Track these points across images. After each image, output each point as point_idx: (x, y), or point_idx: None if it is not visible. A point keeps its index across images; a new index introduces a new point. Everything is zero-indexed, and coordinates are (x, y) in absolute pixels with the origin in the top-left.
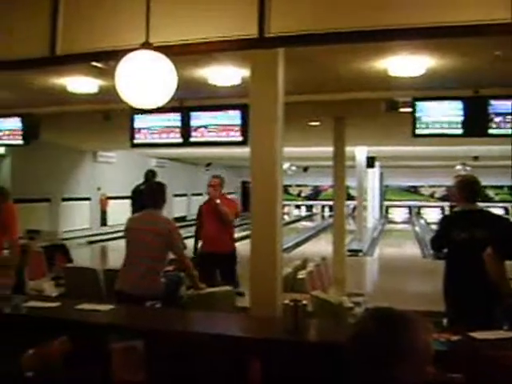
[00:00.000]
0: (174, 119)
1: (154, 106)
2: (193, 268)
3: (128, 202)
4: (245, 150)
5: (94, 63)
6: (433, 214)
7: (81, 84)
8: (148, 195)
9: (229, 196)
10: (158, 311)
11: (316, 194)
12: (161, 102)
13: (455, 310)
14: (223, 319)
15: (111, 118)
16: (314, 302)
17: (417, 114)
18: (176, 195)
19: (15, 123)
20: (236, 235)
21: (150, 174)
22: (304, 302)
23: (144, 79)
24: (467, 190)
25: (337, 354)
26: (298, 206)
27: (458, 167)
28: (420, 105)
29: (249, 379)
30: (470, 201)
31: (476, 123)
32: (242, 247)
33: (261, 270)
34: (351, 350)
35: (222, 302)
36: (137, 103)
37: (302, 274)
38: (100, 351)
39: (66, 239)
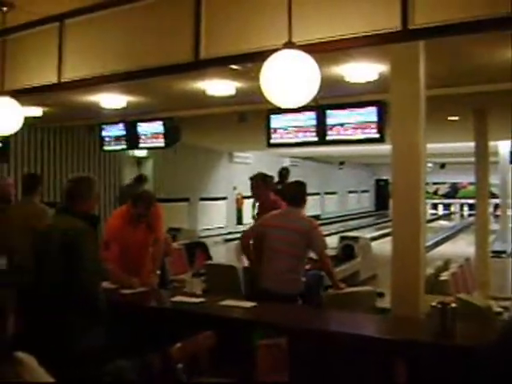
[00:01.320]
0: (310, 118)
1: (299, 105)
2: (333, 267)
3: None
4: (379, 148)
5: (232, 66)
6: None
7: (219, 87)
8: (289, 194)
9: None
10: (299, 309)
11: (454, 191)
12: (305, 100)
13: None
14: (365, 319)
15: (246, 119)
16: (460, 305)
17: None
18: (308, 194)
19: (157, 127)
20: (371, 235)
21: (284, 172)
22: (453, 304)
23: (289, 79)
24: None
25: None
26: (434, 205)
27: None
28: None
29: (394, 382)
30: None
31: None
32: (378, 246)
33: (403, 270)
34: (494, 356)
35: (362, 303)
36: (282, 103)
37: (444, 276)
38: (244, 347)
39: (204, 237)
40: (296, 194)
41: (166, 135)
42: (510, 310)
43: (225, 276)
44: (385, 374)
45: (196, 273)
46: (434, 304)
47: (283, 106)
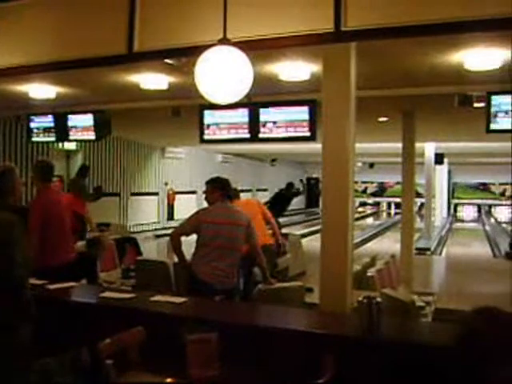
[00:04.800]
0: (243, 115)
1: (231, 101)
2: (265, 262)
3: (194, 197)
4: (310, 146)
5: (166, 60)
6: (504, 213)
7: (152, 81)
8: (223, 188)
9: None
10: (230, 304)
11: (381, 190)
12: (237, 97)
13: None
14: (295, 314)
15: (180, 114)
16: (384, 300)
17: (492, 109)
18: (241, 191)
19: (87, 119)
20: (302, 231)
21: (290, 187)
22: (378, 299)
23: (222, 74)
24: None
25: (414, 353)
26: (363, 203)
27: None
28: (495, 99)
29: (321, 375)
30: None
31: None
32: (307, 243)
33: (331, 266)
34: (462, 351)
35: (292, 298)
36: (214, 98)
37: (370, 272)
38: (175, 342)
39: (134, 233)
40: (230, 187)
41: (96, 128)
42: (432, 304)
43: (155, 272)
44: (313, 368)
45: (126, 268)
46: (360, 299)
47: (215, 102)
